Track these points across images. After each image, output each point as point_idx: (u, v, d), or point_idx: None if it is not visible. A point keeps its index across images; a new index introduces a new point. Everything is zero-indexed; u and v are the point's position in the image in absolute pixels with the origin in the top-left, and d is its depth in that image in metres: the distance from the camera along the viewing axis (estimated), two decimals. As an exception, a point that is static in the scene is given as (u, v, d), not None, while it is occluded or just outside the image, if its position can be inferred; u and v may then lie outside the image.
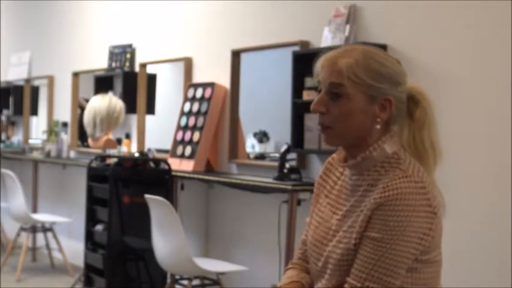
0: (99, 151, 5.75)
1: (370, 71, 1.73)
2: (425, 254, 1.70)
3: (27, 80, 7.81)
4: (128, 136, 5.67)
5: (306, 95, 4.09)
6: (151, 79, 5.92)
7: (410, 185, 1.67)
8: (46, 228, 6.31)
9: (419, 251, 1.68)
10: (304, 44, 4.26)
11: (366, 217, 1.70)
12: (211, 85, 4.95)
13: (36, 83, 7.86)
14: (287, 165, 4.16)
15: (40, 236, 6.80)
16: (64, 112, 7.04)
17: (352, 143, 1.77)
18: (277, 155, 4.53)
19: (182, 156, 4.98)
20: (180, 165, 4.94)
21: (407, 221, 1.65)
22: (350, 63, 1.73)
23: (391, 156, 1.75)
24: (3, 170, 6.23)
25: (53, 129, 6.84)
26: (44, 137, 6.94)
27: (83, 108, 6.29)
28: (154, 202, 4.16)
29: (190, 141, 4.96)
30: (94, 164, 5.14)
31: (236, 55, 4.85)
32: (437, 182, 1.78)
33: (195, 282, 4.36)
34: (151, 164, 5.03)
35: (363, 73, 1.72)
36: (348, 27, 3.90)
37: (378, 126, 1.76)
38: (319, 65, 1.80)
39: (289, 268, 1.96)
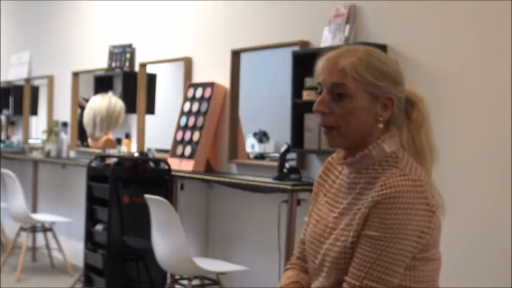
0: (99, 151, 5.75)
1: (373, 69, 1.73)
2: (424, 252, 1.70)
3: (27, 80, 7.81)
4: (127, 136, 5.67)
5: (306, 95, 4.09)
6: (151, 79, 5.92)
7: (408, 183, 1.67)
8: (46, 228, 6.31)
9: (417, 249, 1.68)
10: (304, 44, 4.26)
11: (364, 215, 1.70)
12: (211, 85, 4.95)
13: (36, 83, 7.86)
14: (287, 165, 4.16)
15: (40, 236, 6.80)
16: (64, 112, 7.05)
17: (354, 143, 1.77)
18: (277, 155, 4.53)
19: (182, 156, 4.98)
20: (180, 165, 4.94)
21: (405, 219, 1.65)
22: (353, 62, 1.73)
23: (389, 155, 1.76)
24: (3, 170, 6.23)
25: (52, 129, 6.84)
26: (44, 137, 6.94)
27: (83, 108, 6.29)
28: (154, 202, 4.16)
29: (190, 141, 4.96)
30: (94, 164, 5.14)
31: (236, 55, 4.85)
32: (437, 182, 1.78)
33: (195, 282, 4.36)
34: (151, 164, 5.03)
35: (365, 71, 1.72)
36: (348, 27, 3.90)
37: (381, 125, 1.76)
38: (319, 65, 1.79)
39: (288, 268, 1.96)
